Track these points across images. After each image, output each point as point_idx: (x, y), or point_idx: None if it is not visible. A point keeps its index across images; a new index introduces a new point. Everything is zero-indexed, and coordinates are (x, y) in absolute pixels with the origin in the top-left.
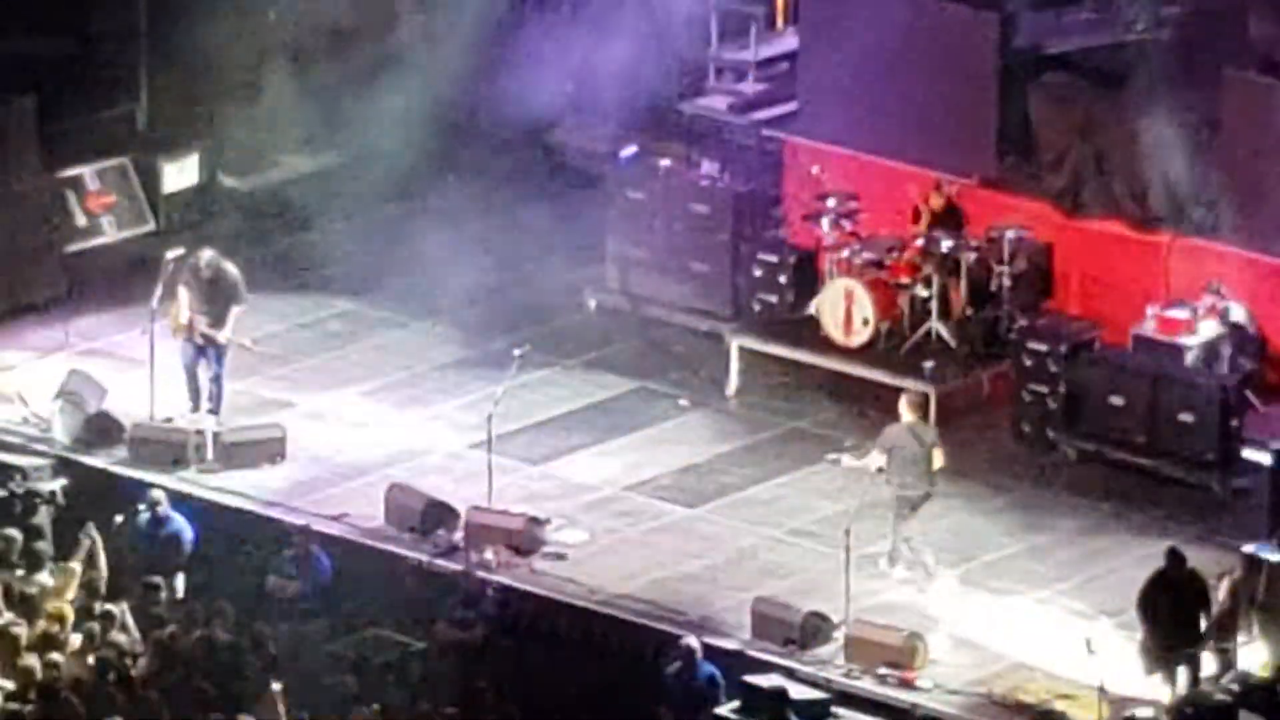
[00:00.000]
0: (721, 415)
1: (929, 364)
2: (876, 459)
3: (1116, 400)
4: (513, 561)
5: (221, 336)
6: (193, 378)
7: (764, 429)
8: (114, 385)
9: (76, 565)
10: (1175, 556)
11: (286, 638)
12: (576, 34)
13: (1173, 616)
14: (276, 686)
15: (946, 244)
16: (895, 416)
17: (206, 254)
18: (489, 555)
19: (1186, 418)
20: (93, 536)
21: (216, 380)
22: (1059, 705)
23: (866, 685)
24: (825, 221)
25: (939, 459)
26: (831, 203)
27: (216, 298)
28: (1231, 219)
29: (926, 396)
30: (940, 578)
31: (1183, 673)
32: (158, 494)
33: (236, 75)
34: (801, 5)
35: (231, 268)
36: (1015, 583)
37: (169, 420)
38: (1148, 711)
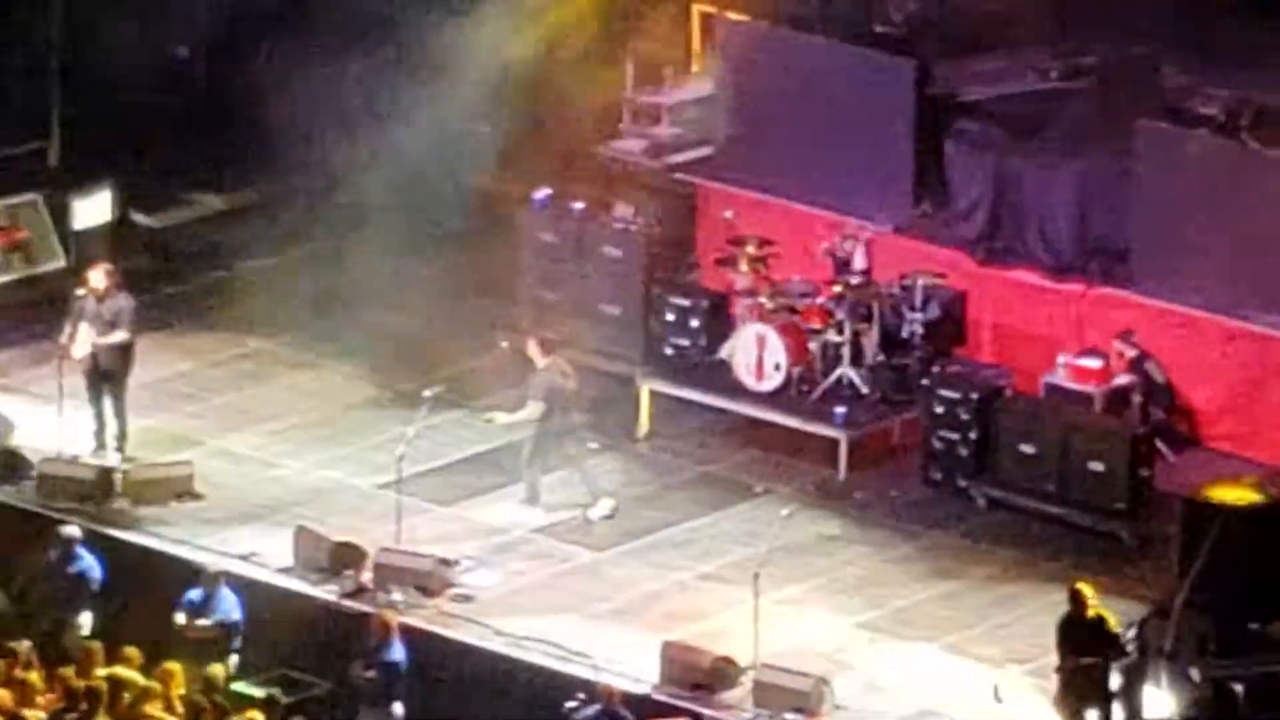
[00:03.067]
0: (631, 458)
1: (840, 410)
2: (536, 408)
3: (1027, 448)
4: (421, 603)
5: (114, 339)
6: (98, 416)
7: (674, 472)
8: (22, 421)
9: None
10: (1076, 595)
11: (195, 677)
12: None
13: (1080, 658)
14: None
15: (859, 290)
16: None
17: (104, 267)
18: (397, 596)
19: (1097, 467)
20: None
21: (119, 417)
22: None
23: None
24: (738, 266)
25: (574, 383)
26: (744, 248)
27: (107, 315)
28: (1144, 269)
29: (549, 338)
30: (603, 508)
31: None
32: (70, 530)
33: (149, 113)
34: (716, 49)
35: (126, 295)
36: (924, 629)
37: (77, 457)
38: None
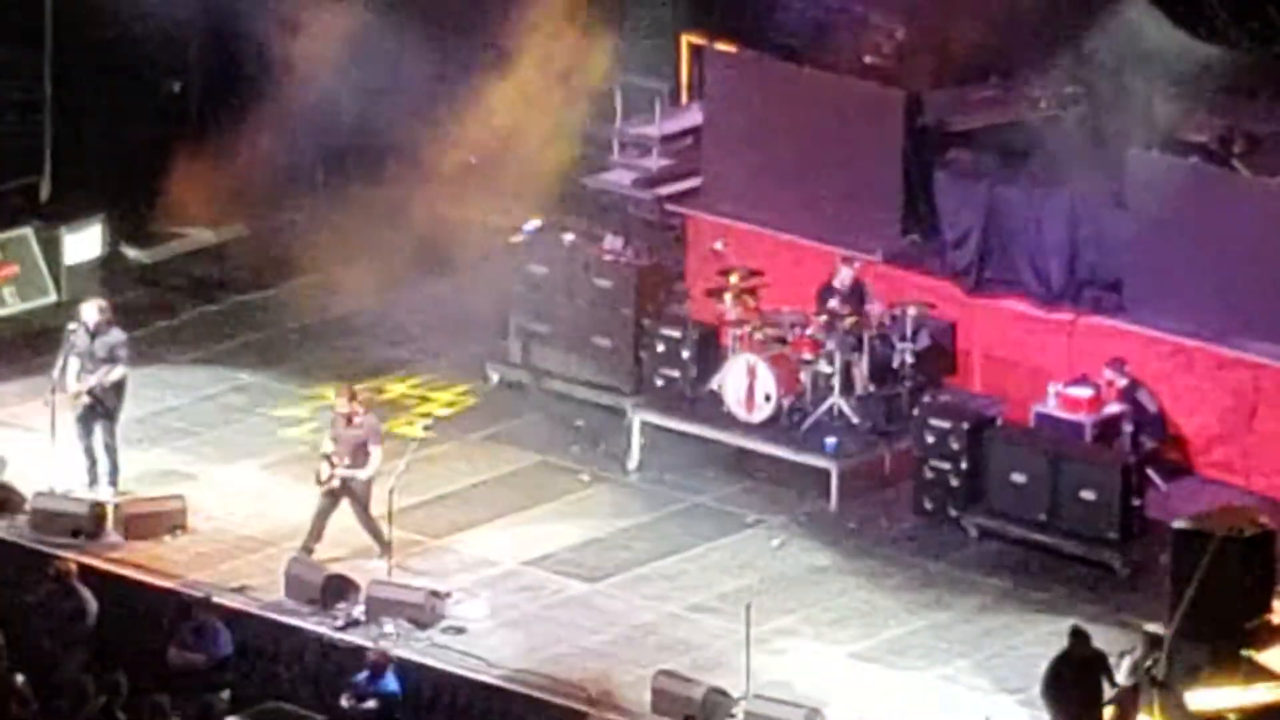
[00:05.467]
0: (623, 490)
1: (831, 440)
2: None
3: (1018, 477)
4: (413, 635)
5: (112, 377)
6: (88, 451)
7: (665, 504)
8: (15, 456)
9: None
10: (1078, 635)
11: (187, 711)
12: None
13: (1077, 691)
14: None
15: (849, 320)
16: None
17: (97, 303)
18: (389, 629)
19: (1088, 495)
20: None
21: (110, 451)
22: None
23: None
24: (728, 297)
25: None
26: (734, 278)
27: (101, 351)
28: (1135, 297)
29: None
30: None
31: None
32: (65, 565)
33: (140, 147)
34: (706, 80)
35: (118, 330)
36: (916, 659)
37: (70, 492)
38: None
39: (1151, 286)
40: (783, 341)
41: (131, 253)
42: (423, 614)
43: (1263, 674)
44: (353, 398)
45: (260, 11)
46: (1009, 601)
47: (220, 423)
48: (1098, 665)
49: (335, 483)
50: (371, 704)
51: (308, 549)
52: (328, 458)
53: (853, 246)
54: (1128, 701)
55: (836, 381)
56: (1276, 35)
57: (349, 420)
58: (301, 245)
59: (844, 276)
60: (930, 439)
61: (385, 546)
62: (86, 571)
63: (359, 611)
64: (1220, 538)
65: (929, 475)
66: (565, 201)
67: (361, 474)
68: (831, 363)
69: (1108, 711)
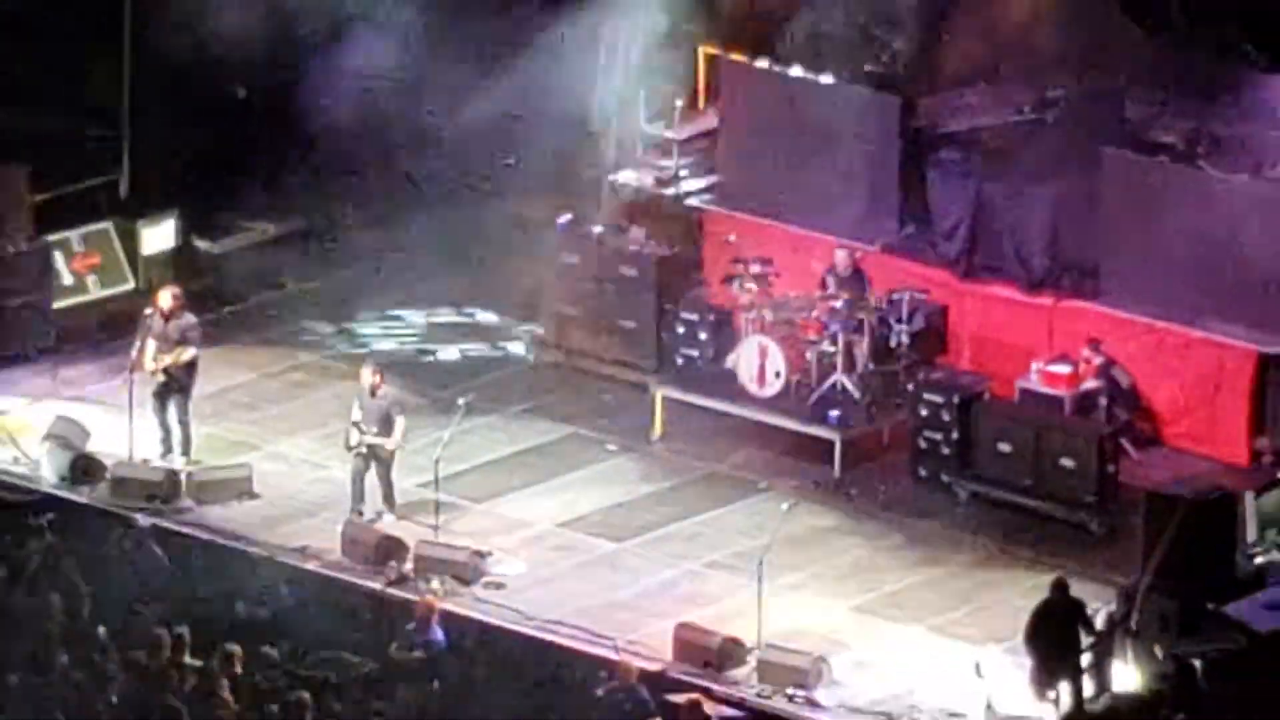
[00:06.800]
0: (646, 459)
1: (835, 413)
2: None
3: (1004, 447)
4: (457, 590)
5: (185, 357)
6: (163, 424)
7: (685, 471)
8: (97, 428)
9: (55, 596)
10: (1059, 585)
11: (253, 659)
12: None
13: (1057, 639)
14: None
15: (851, 305)
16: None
17: (171, 290)
18: (435, 585)
19: (1067, 463)
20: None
21: (183, 425)
22: None
23: (778, 704)
24: (741, 284)
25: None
26: (746, 267)
27: (174, 334)
28: (1110, 283)
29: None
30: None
31: (1065, 693)
32: (143, 526)
33: (210, 148)
34: (720, 88)
35: (189, 315)
36: (912, 611)
37: (146, 460)
38: None
39: (1125, 273)
40: (791, 324)
41: (202, 244)
42: (466, 571)
43: (1226, 624)
44: (376, 372)
45: (319, 19)
46: (996, 559)
47: (283, 398)
48: (1076, 613)
49: (364, 449)
50: (419, 652)
51: (358, 511)
52: (356, 425)
53: (854, 238)
54: (1103, 650)
55: (839, 360)
56: (1231, 49)
57: (372, 393)
58: (356, 237)
59: (843, 264)
60: (924, 412)
61: (391, 505)
62: (162, 533)
63: (408, 569)
64: (1187, 501)
65: (923, 444)
66: (594, 197)
67: (389, 443)
68: (835, 343)
69: (1085, 659)
